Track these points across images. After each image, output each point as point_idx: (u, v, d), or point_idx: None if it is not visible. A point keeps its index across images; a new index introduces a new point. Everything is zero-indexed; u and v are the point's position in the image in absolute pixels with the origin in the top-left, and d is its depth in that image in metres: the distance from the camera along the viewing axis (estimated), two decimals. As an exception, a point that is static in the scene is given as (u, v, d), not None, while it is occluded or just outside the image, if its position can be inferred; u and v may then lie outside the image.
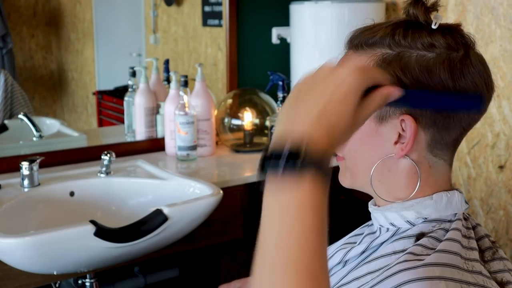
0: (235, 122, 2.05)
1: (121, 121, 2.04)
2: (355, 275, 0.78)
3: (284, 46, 2.18)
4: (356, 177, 0.81)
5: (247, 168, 1.82)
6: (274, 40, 2.17)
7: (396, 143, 0.76)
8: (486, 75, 0.77)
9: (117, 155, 1.65)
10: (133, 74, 1.98)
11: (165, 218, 1.35)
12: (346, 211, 1.75)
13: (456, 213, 0.77)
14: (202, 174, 1.75)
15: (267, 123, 1.99)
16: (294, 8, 2.06)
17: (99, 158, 1.63)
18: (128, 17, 2.34)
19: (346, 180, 0.83)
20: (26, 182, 1.50)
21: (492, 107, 1.80)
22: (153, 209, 1.37)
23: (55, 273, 1.36)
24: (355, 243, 0.85)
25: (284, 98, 1.84)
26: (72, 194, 1.55)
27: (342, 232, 0.93)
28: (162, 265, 1.89)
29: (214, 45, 2.19)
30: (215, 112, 1.98)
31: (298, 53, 2.07)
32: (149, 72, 1.98)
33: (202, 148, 1.90)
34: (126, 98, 1.99)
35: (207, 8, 2.18)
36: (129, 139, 2.00)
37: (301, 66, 2.07)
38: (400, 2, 2.06)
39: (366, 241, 0.81)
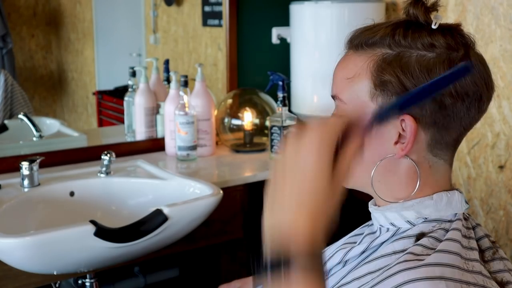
0: (235, 122, 2.05)
1: (121, 121, 2.04)
2: (355, 275, 0.78)
3: (284, 46, 2.18)
4: (356, 177, 0.80)
5: (247, 168, 1.82)
6: (274, 40, 2.17)
7: (396, 143, 0.76)
8: (486, 75, 0.77)
9: (117, 155, 1.65)
10: (133, 74, 1.98)
11: (165, 218, 1.35)
12: (346, 211, 1.75)
13: (456, 213, 0.77)
14: (202, 174, 1.75)
15: (267, 123, 1.99)
16: (294, 8, 2.06)
17: (99, 158, 1.63)
18: (128, 17, 2.34)
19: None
20: (26, 182, 1.50)
21: (492, 107, 1.80)
22: (153, 209, 1.37)
23: (55, 273, 1.36)
24: (355, 243, 0.85)
25: (284, 98, 1.83)
26: (72, 194, 1.55)
27: (342, 232, 0.92)
28: (162, 265, 1.89)
29: (214, 45, 2.19)
30: (215, 112, 1.98)
31: (298, 53, 2.07)
32: (149, 72, 1.98)
33: (202, 148, 1.90)
34: (126, 98, 1.99)
35: (207, 8, 2.17)
36: (129, 139, 2.00)
37: (301, 66, 2.07)
38: (400, 2, 2.06)
39: (366, 241, 0.81)
